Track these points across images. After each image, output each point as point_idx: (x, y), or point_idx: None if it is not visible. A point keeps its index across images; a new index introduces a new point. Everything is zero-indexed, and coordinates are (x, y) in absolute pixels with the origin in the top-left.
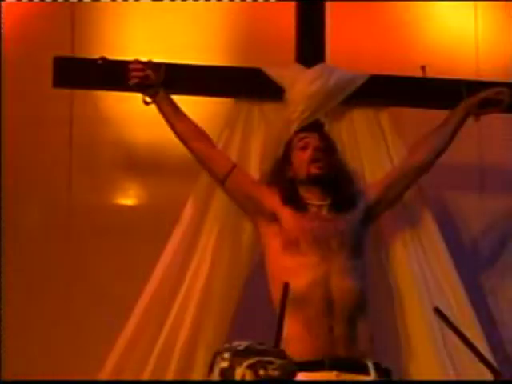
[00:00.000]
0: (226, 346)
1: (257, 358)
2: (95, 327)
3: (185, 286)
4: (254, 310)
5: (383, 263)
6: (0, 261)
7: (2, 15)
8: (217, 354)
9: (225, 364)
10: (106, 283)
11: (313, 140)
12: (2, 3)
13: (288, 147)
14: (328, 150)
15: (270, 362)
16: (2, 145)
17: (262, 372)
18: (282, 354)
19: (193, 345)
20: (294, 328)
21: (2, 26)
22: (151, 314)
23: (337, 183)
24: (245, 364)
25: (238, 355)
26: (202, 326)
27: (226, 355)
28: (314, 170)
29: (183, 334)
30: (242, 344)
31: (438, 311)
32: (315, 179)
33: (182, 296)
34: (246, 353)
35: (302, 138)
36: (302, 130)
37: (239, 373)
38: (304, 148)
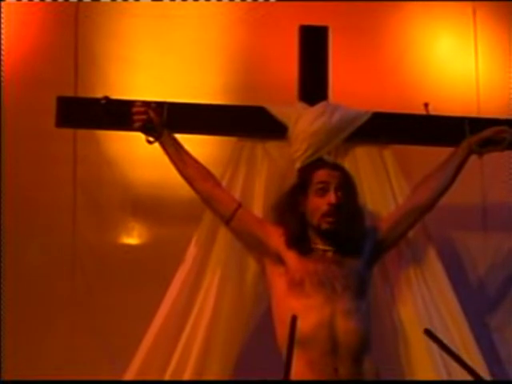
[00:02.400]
0: None
1: None
2: (100, 364)
3: (189, 325)
4: (259, 348)
5: (389, 301)
6: (2, 301)
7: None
8: None
9: None
10: (110, 322)
11: (331, 186)
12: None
13: (306, 180)
14: (344, 200)
15: None
16: (6, 185)
17: None
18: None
19: None
20: (298, 369)
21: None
22: (156, 353)
23: (346, 233)
24: None
25: None
26: (206, 365)
27: None
28: (324, 226)
29: (188, 372)
30: None
31: (428, 333)
32: (324, 233)
33: (187, 335)
34: None
35: (321, 182)
36: (322, 164)
37: None
38: (321, 194)
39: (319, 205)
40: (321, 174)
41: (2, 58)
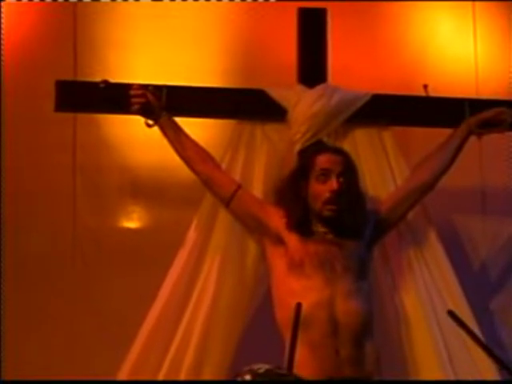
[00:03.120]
0: (247, 368)
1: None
2: (100, 349)
3: (190, 309)
4: (259, 331)
5: (389, 284)
6: (2, 288)
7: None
8: (237, 376)
9: None
10: (111, 306)
11: (333, 172)
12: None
13: (307, 164)
14: (346, 186)
15: None
16: (5, 170)
17: None
18: (301, 380)
19: (198, 369)
20: (299, 351)
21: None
22: (156, 338)
23: (348, 220)
24: None
25: (259, 377)
26: (207, 350)
27: (247, 377)
28: (326, 213)
29: (188, 357)
30: (262, 367)
31: (452, 314)
32: (326, 220)
33: (187, 319)
34: (267, 376)
35: (323, 168)
36: (324, 148)
37: None
38: (323, 180)
39: (321, 191)
40: (322, 160)
41: (1, 42)
